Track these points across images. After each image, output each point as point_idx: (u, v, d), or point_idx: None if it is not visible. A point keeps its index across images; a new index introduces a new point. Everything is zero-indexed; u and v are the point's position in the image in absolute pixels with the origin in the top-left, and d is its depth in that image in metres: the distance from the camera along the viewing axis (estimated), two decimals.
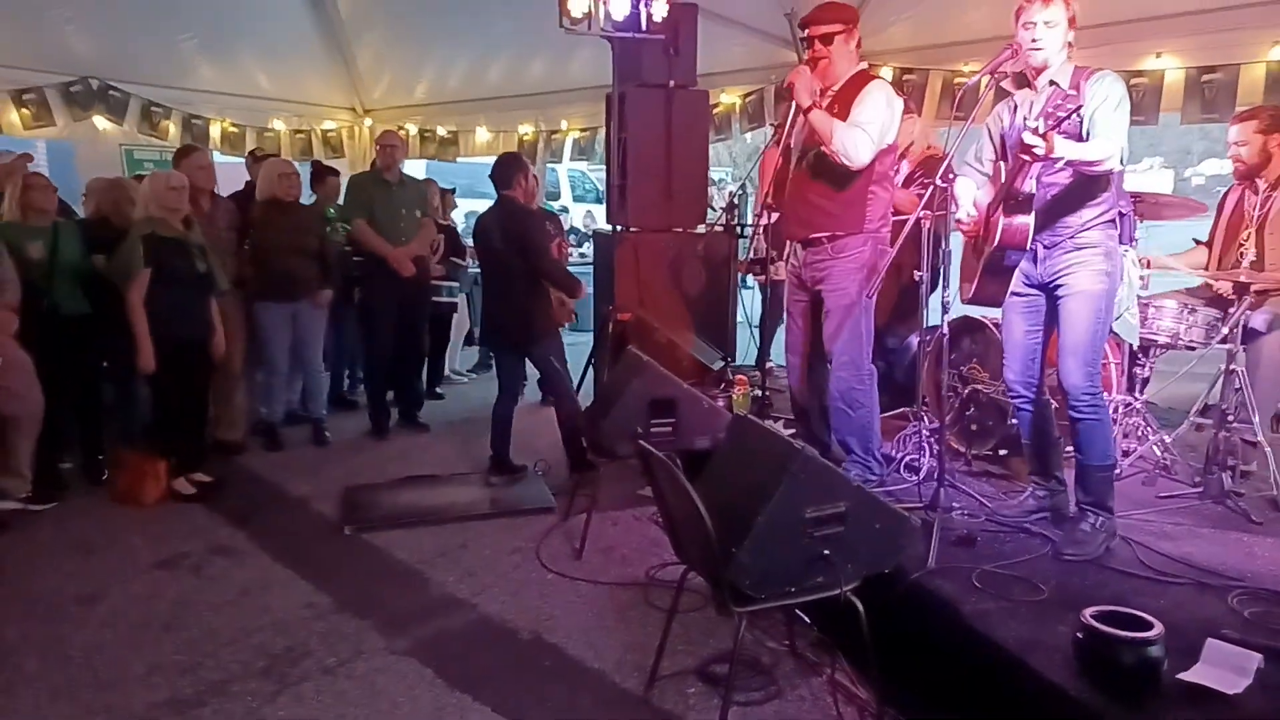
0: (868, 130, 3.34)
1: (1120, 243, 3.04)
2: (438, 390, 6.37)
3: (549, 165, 8.65)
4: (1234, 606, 2.56)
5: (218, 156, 7.09)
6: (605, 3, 4.83)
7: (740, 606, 2.31)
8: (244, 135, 7.93)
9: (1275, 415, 3.95)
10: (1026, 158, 2.70)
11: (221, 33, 7.09)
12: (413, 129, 8.55)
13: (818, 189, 3.52)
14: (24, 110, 6.48)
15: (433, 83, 8.37)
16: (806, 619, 2.99)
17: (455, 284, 6.24)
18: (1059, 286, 2.96)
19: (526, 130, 8.14)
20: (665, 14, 4.93)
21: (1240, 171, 3.88)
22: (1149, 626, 2.13)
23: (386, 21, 7.67)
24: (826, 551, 2.32)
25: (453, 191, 7.21)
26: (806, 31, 3.54)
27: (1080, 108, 2.73)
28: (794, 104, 3.47)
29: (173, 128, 7.42)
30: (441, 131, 8.60)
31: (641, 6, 4.90)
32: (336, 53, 8.05)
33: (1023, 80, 3.03)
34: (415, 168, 9.61)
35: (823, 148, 3.41)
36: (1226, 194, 4.06)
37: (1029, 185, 2.91)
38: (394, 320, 5.25)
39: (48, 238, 4.21)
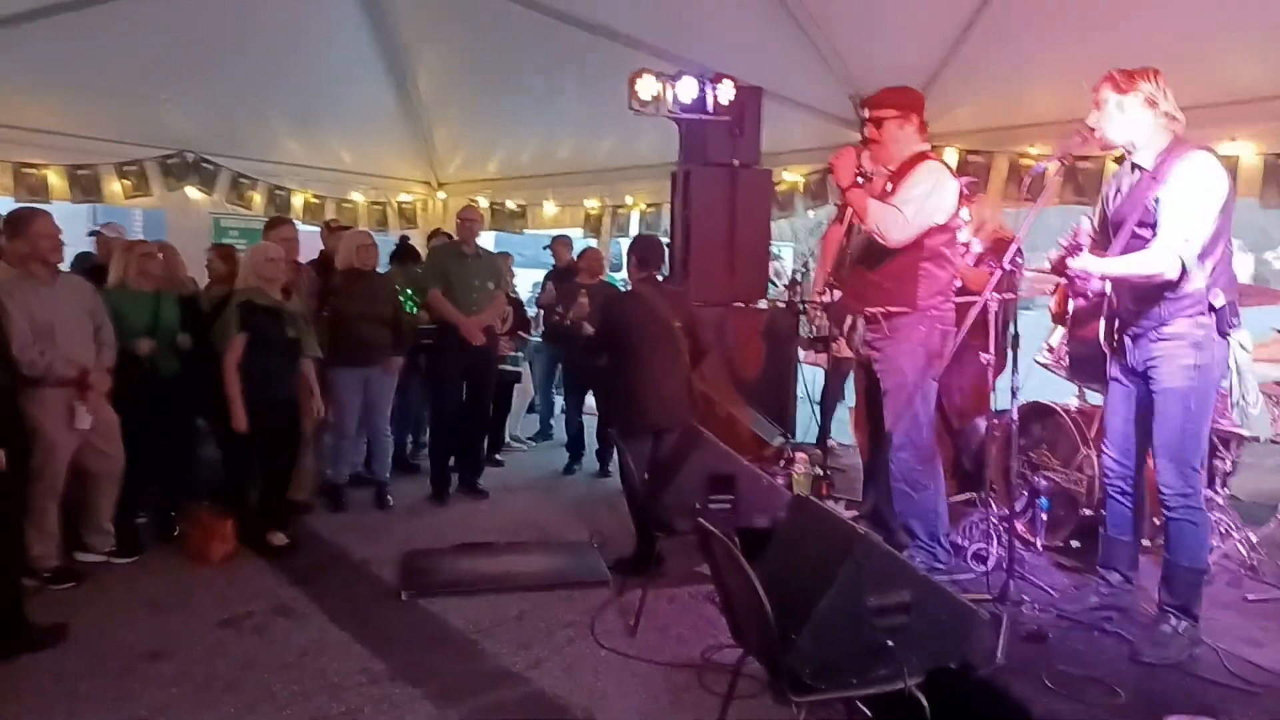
0: (903, 209, 3.37)
1: (1220, 332, 2.86)
2: (497, 457, 6.44)
3: (616, 239, 8.84)
4: None
5: (300, 226, 7.44)
6: (673, 86, 5.00)
7: (799, 696, 2.25)
8: (324, 206, 8.33)
9: None
10: (1065, 280, 2.67)
11: (310, 110, 7.53)
12: (484, 202, 8.85)
13: (870, 265, 3.56)
14: (125, 181, 6.94)
15: (504, 158, 8.71)
16: (867, 711, 2.88)
17: (520, 354, 6.35)
18: (1150, 379, 2.88)
19: (593, 205, 8.37)
20: (731, 96, 5.08)
21: None
22: None
23: (463, 101, 8.05)
24: (890, 642, 2.25)
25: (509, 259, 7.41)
26: (865, 113, 3.62)
27: (1078, 247, 2.63)
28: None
29: (258, 198, 7.85)
30: (510, 205, 8.90)
31: (708, 89, 5.06)
32: (416, 129, 8.47)
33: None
34: (483, 239, 9.92)
35: (862, 225, 3.46)
36: None
37: (1096, 284, 2.87)
38: (461, 387, 5.36)
39: (151, 304, 4.48)
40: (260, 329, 4.32)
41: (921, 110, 3.63)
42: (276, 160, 7.93)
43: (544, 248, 7.51)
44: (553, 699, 3.04)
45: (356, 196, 8.83)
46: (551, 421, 7.26)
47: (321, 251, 6.07)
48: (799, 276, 5.49)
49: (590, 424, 6.24)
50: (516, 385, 6.66)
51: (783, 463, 5.03)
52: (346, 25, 6.90)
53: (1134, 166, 2.89)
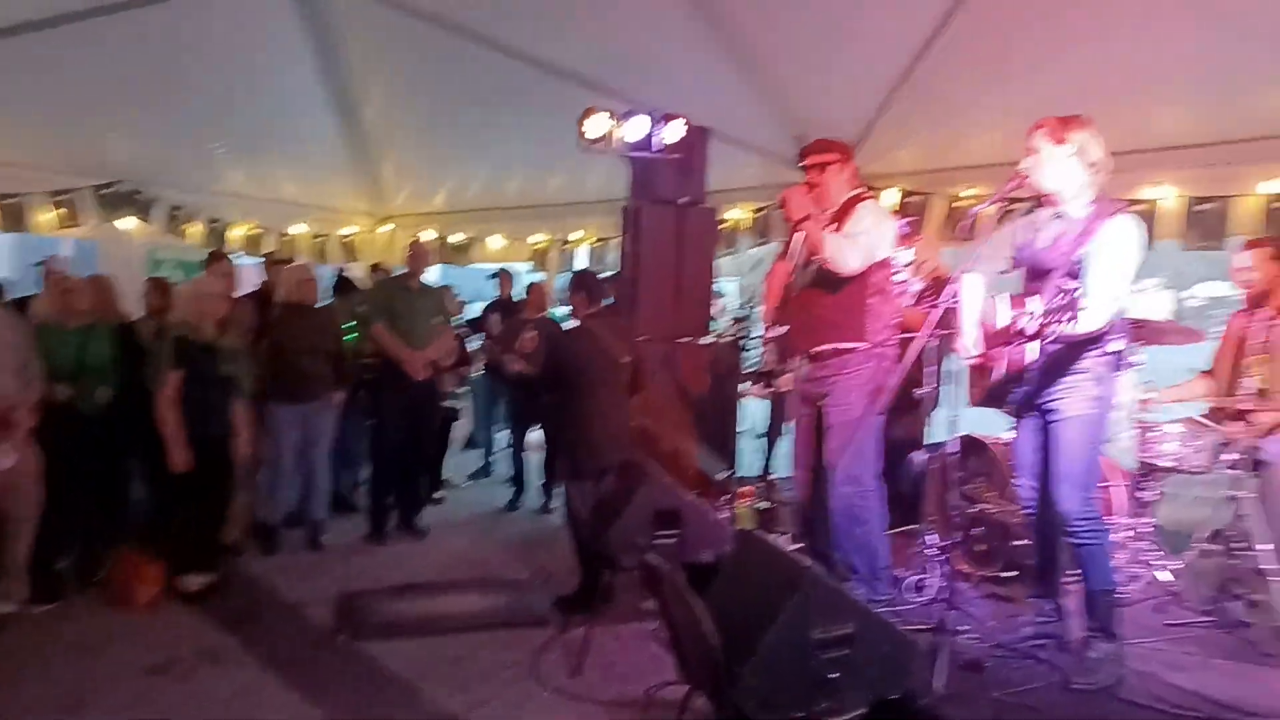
0: (857, 239, 3.50)
1: (1113, 370, 3.07)
2: (436, 495, 6.33)
3: (563, 274, 8.87)
4: None
5: (242, 259, 7.32)
6: (623, 124, 5.06)
7: None
8: (264, 238, 8.18)
9: None
10: (1016, 334, 2.80)
11: (253, 141, 7.41)
12: (431, 234, 8.80)
13: (818, 300, 3.65)
14: (60, 210, 6.72)
15: (452, 191, 8.69)
16: None
17: (465, 389, 6.30)
18: (1050, 410, 3.00)
19: (539, 239, 8.39)
20: (680, 135, 5.17)
21: (1250, 297, 3.96)
22: None
23: (411, 133, 8.02)
24: (833, 675, 2.27)
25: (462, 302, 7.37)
26: (804, 162, 3.75)
27: (1073, 318, 2.77)
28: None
29: (196, 230, 7.67)
30: (458, 238, 8.87)
31: (657, 128, 5.14)
32: (362, 161, 8.39)
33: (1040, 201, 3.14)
34: (429, 273, 9.86)
35: (816, 256, 3.55)
36: (1232, 320, 4.13)
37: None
38: (403, 424, 5.28)
39: (77, 340, 4.33)
40: (195, 365, 4.21)
41: (853, 159, 3.85)
42: (217, 191, 7.78)
43: (489, 277, 7.47)
44: None
45: (297, 229, 8.70)
46: (493, 458, 7.18)
47: (262, 284, 5.96)
48: (744, 312, 5.57)
49: (533, 459, 6.19)
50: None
51: (727, 497, 5.05)
52: (292, 55, 6.84)
53: (1057, 215, 3.02)
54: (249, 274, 6.45)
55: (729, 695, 2.22)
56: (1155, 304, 19.27)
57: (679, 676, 2.64)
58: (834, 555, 3.71)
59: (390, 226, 9.21)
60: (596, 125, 5.06)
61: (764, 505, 4.69)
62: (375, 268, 7.16)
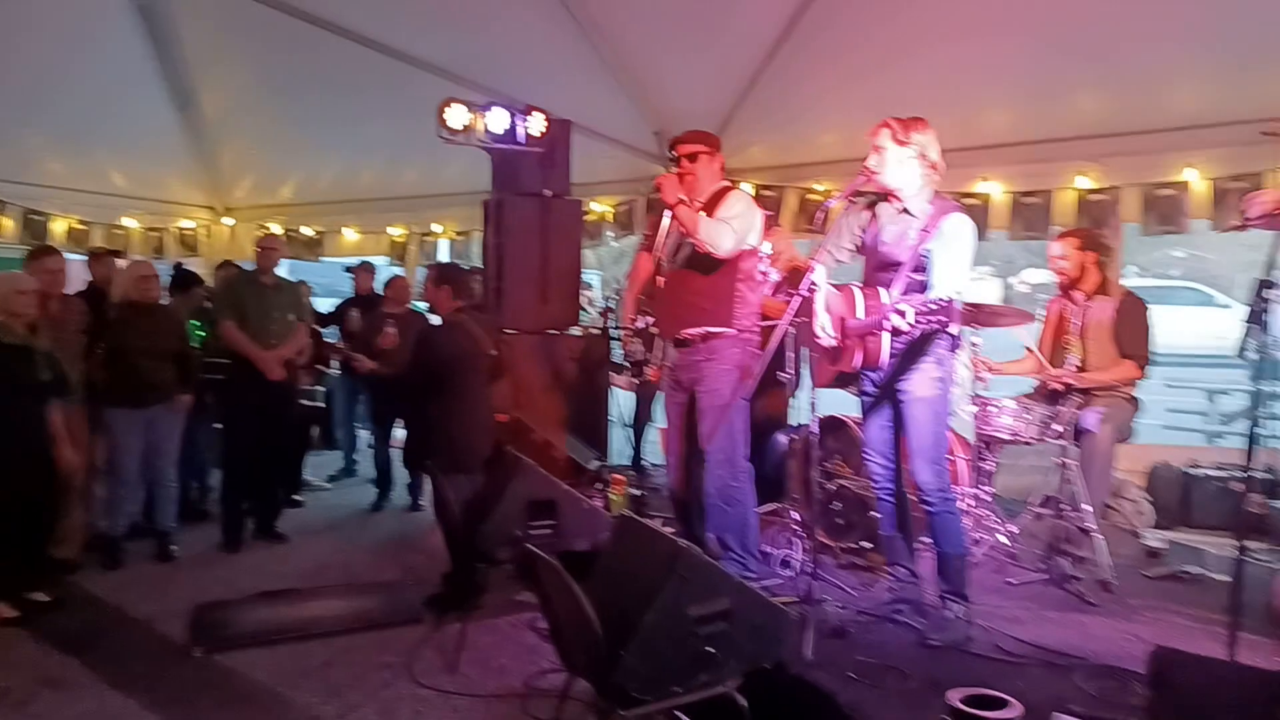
0: (730, 223, 3.61)
1: (950, 351, 3.32)
2: (296, 498, 6.06)
3: (422, 267, 8.65)
4: (1078, 683, 2.76)
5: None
6: (483, 116, 5.00)
7: (627, 710, 2.29)
8: (91, 232, 7.57)
9: (1105, 505, 4.35)
10: (889, 331, 2.97)
11: (76, 127, 6.83)
12: (277, 229, 8.38)
13: (689, 286, 3.74)
14: None
15: (300, 183, 8.31)
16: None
17: (322, 389, 6.06)
18: (901, 392, 3.22)
19: (397, 232, 8.15)
20: (542, 128, 5.16)
21: (1064, 283, 4.37)
22: (1008, 706, 2.26)
23: (253, 122, 7.61)
24: (711, 649, 2.35)
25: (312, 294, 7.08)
26: (676, 151, 3.82)
27: (946, 325, 2.95)
28: (665, 212, 3.72)
29: (10, 223, 7.00)
30: (308, 232, 8.49)
31: (519, 120, 5.11)
32: (199, 151, 7.90)
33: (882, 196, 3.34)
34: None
35: (690, 238, 3.64)
36: (1051, 303, 4.55)
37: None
38: (256, 426, 5.03)
39: None
40: (5, 369, 3.86)
41: (721, 151, 3.96)
42: (33, 182, 7.11)
43: (345, 270, 7.19)
44: None
45: (129, 222, 8.09)
46: (355, 457, 6.95)
47: (90, 282, 5.51)
48: (611, 304, 5.62)
49: (398, 458, 6.03)
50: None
51: (599, 485, 5.10)
52: (121, 36, 6.35)
53: (901, 211, 3.24)
54: (78, 270, 5.95)
55: (612, 677, 2.25)
56: (986, 290, 20.83)
57: (560, 664, 2.66)
58: (707, 535, 3.83)
59: (232, 220, 8.73)
60: (457, 116, 4.98)
61: (636, 492, 4.76)
62: (223, 265, 6.75)
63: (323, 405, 6.32)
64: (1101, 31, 4.74)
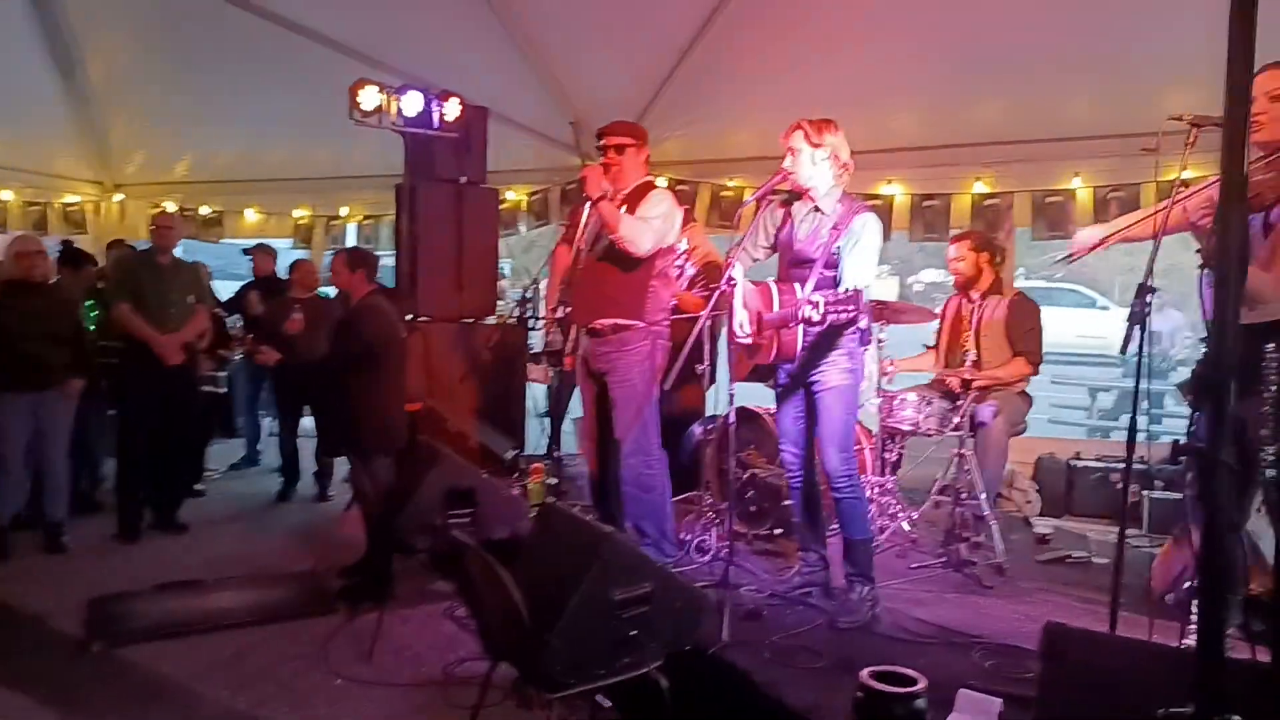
0: (651, 223, 3.65)
1: (861, 345, 3.47)
2: (197, 488, 5.83)
3: (329, 251, 8.41)
4: (977, 660, 2.94)
5: None
6: (397, 99, 4.91)
7: (553, 693, 2.33)
8: None
9: (999, 494, 4.63)
10: (803, 323, 3.09)
11: None
12: (172, 207, 8.00)
13: (605, 278, 3.78)
14: None
15: (197, 160, 7.94)
16: (608, 703, 3.03)
17: (224, 374, 5.84)
18: (814, 383, 3.35)
19: (302, 214, 7.90)
20: (458, 114, 5.10)
21: (959, 283, 4.61)
22: (915, 683, 2.40)
23: (146, 94, 7.23)
24: (634, 632, 2.41)
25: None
26: (603, 141, 3.85)
27: (855, 318, 3.08)
28: (587, 201, 3.75)
29: None
30: (205, 211, 8.14)
31: (434, 105, 5.04)
32: (86, 123, 7.46)
33: (796, 195, 3.46)
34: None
35: (610, 235, 3.68)
36: (948, 302, 4.79)
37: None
38: (154, 413, 4.82)
39: None
40: None
41: (647, 145, 3.97)
42: None
43: (243, 252, 6.92)
44: None
45: (5, 195, 7.59)
46: (259, 446, 6.73)
47: None
48: (528, 293, 5.61)
49: (306, 445, 5.88)
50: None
51: (516, 475, 5.10)
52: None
53: (815, 209, 3.37)
54: None
55: (538, 662, 2.29)
56: (885, 289, 21.62)
57: (483, 651, 2.67)
58: (624, 522, 3.89)
59: (122, 197, 8.28)
60: (369, 98, 4.87)
61: (553, 481, 4.79)
62: (114, 244, 6.41)
63: (225, 391, 6.09)
64: (1000, 44, 5.01)
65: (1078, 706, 2.00)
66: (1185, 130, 2.53)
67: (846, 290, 3.02)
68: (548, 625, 2.31)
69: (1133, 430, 2.52)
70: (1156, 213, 2.61)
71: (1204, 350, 1.74)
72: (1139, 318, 2.48)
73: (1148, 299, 2.45)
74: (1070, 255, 3.10)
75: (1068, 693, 2.04)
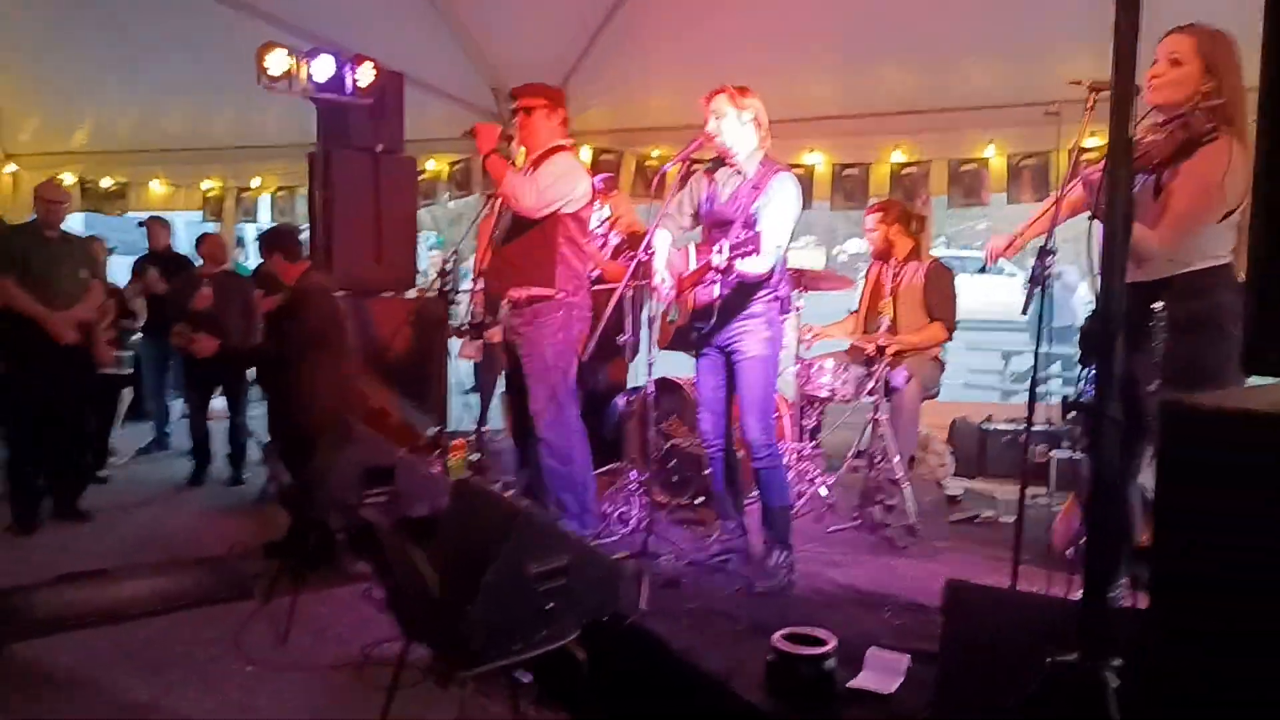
0: (536, 181, 3.61)
1: (780, 314, 3.50)
2: (101, 474, 5.60)
3: (242, 224, 8.12)
4: (887, 619, 3.03)
5: None
6: (308, 64, 4.73)
7: (469, 669, 2.31)
8: None
9: (912, 457, 4.75)
10: (711, 271, 3.10)
11: None
12: (70, 178, 7.60)
13: (514, 248, 3.73)
14: None
15: (97, 129, 7.54)
16: (528, 677, 3.03)
17: (128, 353, 5.59)
18: (734, 352, 3.38)
19: (211, 186, 7.59)
20: (372, 79, 4.93)
21: (876, 252, 4.69)
22: (824, 643, 2.46)
23: (35, 54, 6.79)
24: (551, 605, 2.40)
25: (112, 251, 6.50)
26: (515, 104, 3.78)
27: (755, 251, 3.11)
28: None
29: None
30: (107, 183, 7.75)
31: (347, 70, 4.87)
32: None
33: (720, 161, 3.45)
34: (73, 222, 8.51)
35: (498, 192, 3.64)
36: (869, 269, 4.87)
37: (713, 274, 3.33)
38: (45, 393, 4.58)
39: None
40: None
41: (565, 106, 3.89)
42: None
43: (138, 225, 6.63)
44: None
45: None
46: (169, 429, 6.49)
47: None
48: (448, 265, 5.49)
49: (217, 428, 5.69)
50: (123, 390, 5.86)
51: (437, 452, 5.02)
52: None
53: (737, 172, 3.37)
54: None
55: (453, 638, 2.27)
56: (810, 258, 21.94)
57: (399, 631, 2.64)
58: (545, 497, 3.87)
59: (14, 168, 7.82)
60: (278, 62, 4.67)
61: (475, 457, 4.73)
62: None
63: (129, 372, 5.84)
64: (915, 13, 5.06)
65: (977, 659, 2.07)
66: (1086, 95, 2.58)
67: (750, 233, 3.06)
68: (463, 601, 2.28)
69: (1033, 391, 2.61)
70: (1054, 204, 2.66)
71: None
72: (1039, 280, 2.55)
73: (1047, 261, 2.52)
74: (984, 266, 3.19)
75: (968, 646, 2.11)
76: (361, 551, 3.63)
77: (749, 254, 3.02)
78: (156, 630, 3.42)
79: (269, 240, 4.36)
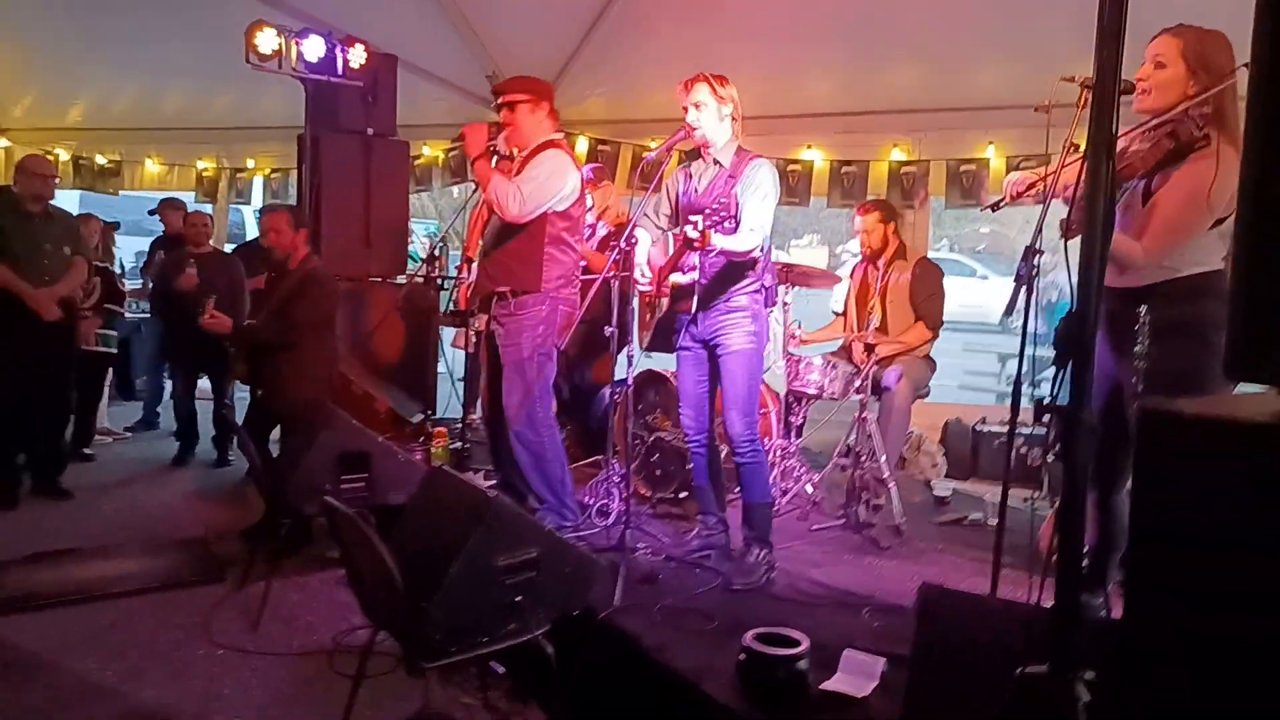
0: (522, 187, 3.52)
1: (765, 307, 3.44)
2: (86, 451, 5.56)
3: (234, 205, 8.06)
4: (865, 620, 2.98)
5: None
6: (298, 43, 4.67)
7: (431, 662, 2.27)
8: None
9: (901, 457, 4.69)
10: (689, 247, 3.04)
11: None
12: (64, 155, 7.54)
13: (502, 244, 3.66)
14: None
15: (92, 105, 7.48)
16: (500, 669, 2.99)
17: (112, 332, 5.54)
18: (717, 345, 3.32)
19: (206, 166, 7.54)
20: (363, 61, 4.88)
21: (871, 253, 4.63)
22: (798, 644, 2.41)
23: (32, 29, 6.72)
24: (519, 598, 2.36)
25: (115, 227, 6.45)
26: (499, 100, 3.71)
27: (734, 216, 3.05)
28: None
29: None
30: (101, 161, 7.70)
31: (338, 51, 4.81)
32: None
33: (697, 153, 3.41)
34: (67, 199, 8.47)
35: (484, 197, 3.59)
36: (855, 269, 4.82)
37: (693, 259, 3.27)
38: (26, 370, 4.53)
39: None
40: None
41: (551, 99, 3.81)
42: None
43: (149, 212, 6.58)
44: (156, 709, 2.73)
45: None
46: (159, 409, 6.44)
47: None
48: (437, 251, 5.45)
49: (204, 408, 5.64)
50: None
51: (422, 439, 4.98)
52: None
53: (715, 162, 3.32)
54: None
55: (415, 629, 2.22)
56: (814, 256, 21.87)
57: (365, 619, 2.59)
58: (524, 488, 3.82)
59: (7, 143, 7.77)
60: (267, 41, 4.62)
61: (458, 445, 4.68)
62: None
63: (114, 351, 5.79)
64: (918, 12, 4.99)
65: (949, 665, 2.02)
66: (1079, 93, 2.52)
67: (722, 205, 3.01)
68: (428, 592, 2.23)
69: (1016, 393, 2.54)
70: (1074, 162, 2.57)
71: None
72: (1025, 280, 2.48)
73: (1035, 261, 2.45)
74: (999, 202, 3.08)
75: (940, 654, 2.06)
76: (335, 535, 3.58)
77: (723, 225, 2.96)
78: (123, 612, 3.37)
79: (300, 217, 4.33)
